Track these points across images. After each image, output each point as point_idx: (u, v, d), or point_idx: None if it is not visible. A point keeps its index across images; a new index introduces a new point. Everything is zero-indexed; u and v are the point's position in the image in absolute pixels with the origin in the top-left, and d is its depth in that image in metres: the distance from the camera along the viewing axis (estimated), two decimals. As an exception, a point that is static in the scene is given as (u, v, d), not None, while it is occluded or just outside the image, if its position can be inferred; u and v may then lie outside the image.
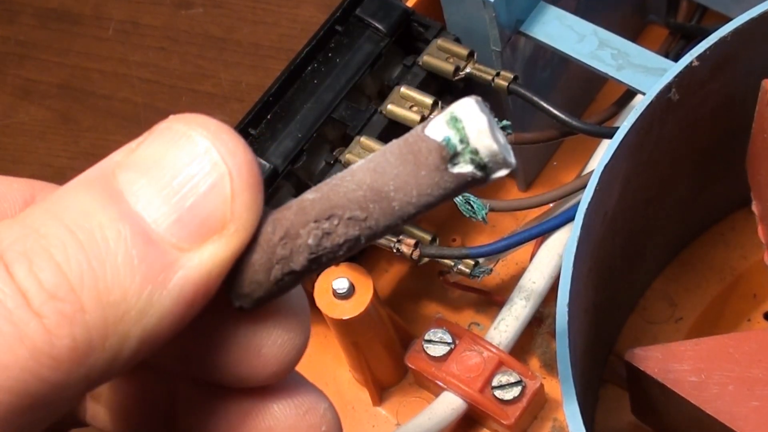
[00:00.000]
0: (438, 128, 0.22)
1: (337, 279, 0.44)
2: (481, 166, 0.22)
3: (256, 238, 0.23)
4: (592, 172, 0.38)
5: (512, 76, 0.45)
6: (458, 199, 0.42)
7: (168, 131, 0.23)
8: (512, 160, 0.22)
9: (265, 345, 0.24)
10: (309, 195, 0.23)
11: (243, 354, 0.24)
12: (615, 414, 0.47)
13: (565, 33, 0.46)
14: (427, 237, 0.47)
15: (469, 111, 0.22)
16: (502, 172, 0.22)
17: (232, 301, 0.24)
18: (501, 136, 0.22)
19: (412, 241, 0.43)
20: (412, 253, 0.43)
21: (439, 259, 0.45)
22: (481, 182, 0.22)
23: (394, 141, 0.23)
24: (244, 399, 0.25)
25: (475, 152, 0.22)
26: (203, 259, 0.22)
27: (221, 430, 0.25)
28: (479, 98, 0.22)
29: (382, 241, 0.43)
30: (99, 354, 0.21)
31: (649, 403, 0.42)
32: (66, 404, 0.22)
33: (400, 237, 0.44)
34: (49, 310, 0.21)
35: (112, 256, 0.21)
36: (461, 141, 0.22)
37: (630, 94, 0.48)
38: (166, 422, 0.27)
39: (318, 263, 0.23)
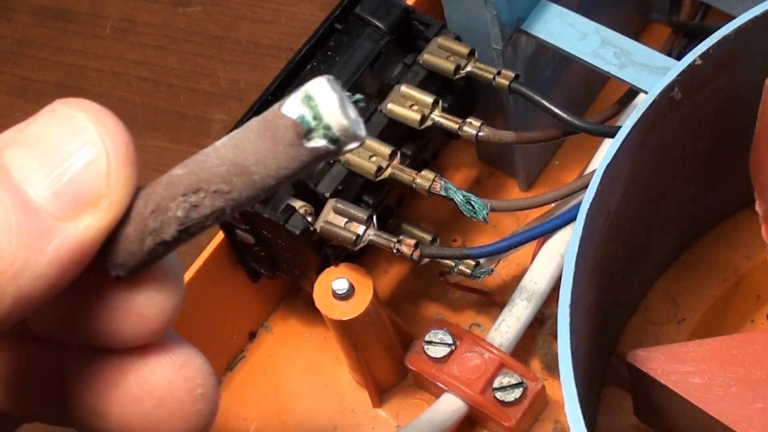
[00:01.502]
0: (293, 106, 0.24)
1: (336, 280, 0.44)
2: (334, 140, 0.24)
3: (130, 212, 0.25)
4: (594, 171, 0.38)
5: (513, 75, 0.45)
6: (459, 199, 0.42)
7: (52, 112, 0.25)
8: (362, 133, 0.24)
9: (143, 306, 0.26)
10: (177, 170, 0.25)
11: (123, 317, 0.26)
12: (617, 416, 0.47)
13: (566, 31, 0.46)
14: (428, 237, 0.47)
15: (322, 89, 0.24)
16: (354, 145, 0.24)
17: (109, 270, 0.26)
18: (352, 112, 0.24)
19: (412, 242, 0.43)
20: (412, 254, 0.43)
21: (440, 260, 0.45)
22: (334, 154, 0.24)
23: (254, 119, 0.24)
24: (125, 358, 0.27)
25: (328, 128, 0.24)
26: (78, 229, 0.24)
27: (106, 390, 0.27)
28: (331, 77, 0.24)
29: (382, 241, 0.43)
30: None
31: (651, 404, 0.42)
32: None
33: (401, 237, 0.43)
34: None
35: None
36: (314, 118, 0.24)
37: (632, 93, 0.47)
38: (57, 393, 0.29)
39: (187, 233, 0.25)
